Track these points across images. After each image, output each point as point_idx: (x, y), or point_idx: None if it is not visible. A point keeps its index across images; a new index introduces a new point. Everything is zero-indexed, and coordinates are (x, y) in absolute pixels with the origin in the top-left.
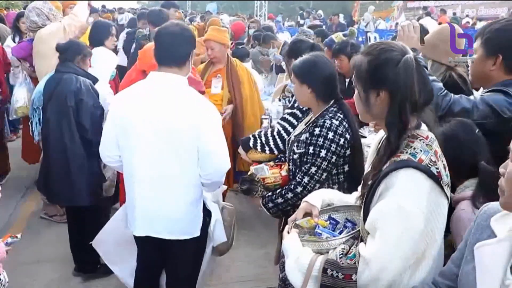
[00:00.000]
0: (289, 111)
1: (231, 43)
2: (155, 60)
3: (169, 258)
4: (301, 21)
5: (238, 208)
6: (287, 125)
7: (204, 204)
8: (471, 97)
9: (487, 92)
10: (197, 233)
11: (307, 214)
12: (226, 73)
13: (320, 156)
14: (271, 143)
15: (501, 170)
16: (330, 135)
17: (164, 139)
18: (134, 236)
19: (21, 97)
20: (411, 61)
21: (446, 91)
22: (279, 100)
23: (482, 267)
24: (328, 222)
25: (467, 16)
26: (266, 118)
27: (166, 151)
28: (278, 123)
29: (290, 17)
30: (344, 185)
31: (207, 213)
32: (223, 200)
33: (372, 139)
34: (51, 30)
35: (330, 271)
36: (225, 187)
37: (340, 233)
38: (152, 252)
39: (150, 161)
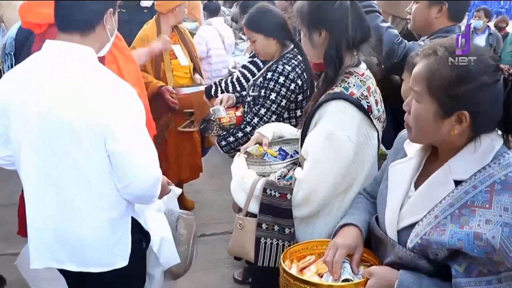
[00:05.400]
0: (250, 59)
1: None
2: (55, 24)
3: None
4: None
5: (212, 157)
6: (246, 72)
7: (138, 223)
8: (422, 43)
9: (433, 38)
10: (121, 263)
11: (258, 144)
12: (181, 40)
13: (270, 98)
14: (230, 89)
15: (405, 107)
16: (281, 79)
17: (55, 139)
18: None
19: None
20: (345, 2)
21: (401, 38)
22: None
23: (392, 182)
24: (278, 152)
25: None
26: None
27: (58, 155)
28: (239, 70)
29: None
30: None
31: (143, 235)
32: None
33: None
34: None
35: (269, 190)
36: (179, 191)
37: None
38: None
39: (39, 166)
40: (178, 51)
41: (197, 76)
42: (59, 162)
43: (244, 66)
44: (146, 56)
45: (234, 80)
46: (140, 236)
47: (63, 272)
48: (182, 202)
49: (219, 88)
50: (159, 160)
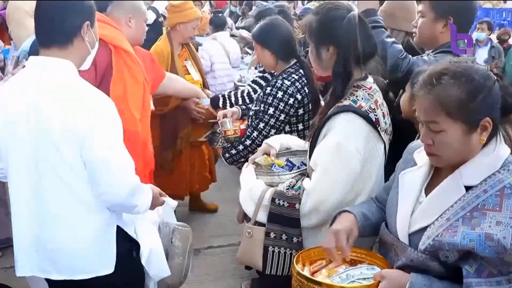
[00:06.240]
0: (260, 74)
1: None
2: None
3: None
4: None
5: (219, 169)
6: (256, 87)
7: (126, 232)
8: (425, 58)
9: (437, 53)
10: (106, 271)
11: (266, 155)
12: (191, 56)
13: (268, 113)
14: (240, 102)
15: (426, 140)
16: (280, 94)
17: (39, 147)
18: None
19: None
20: (354, 19)
21: (405, 53)
22: (255, 68)
23: (403, 189)
24: (286, 163)
25: None
26: None
27: (42, 163)
28: (249, 84)
29: None
30: None
31: (132, 244)
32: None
33: None
34: None
35: (277, 200)
36: (174, 203)
37: None
38: None
39: (25, 174)
40: (190, 67)
41: (207, 91)
42: (45, 174)
43: (254, 81)
44: (193, 94)
45: (245, 94)
46: (129, 246)
47: (49, 280)
48: (206, 207)
49: (228, 101)
50: (172, 172)
